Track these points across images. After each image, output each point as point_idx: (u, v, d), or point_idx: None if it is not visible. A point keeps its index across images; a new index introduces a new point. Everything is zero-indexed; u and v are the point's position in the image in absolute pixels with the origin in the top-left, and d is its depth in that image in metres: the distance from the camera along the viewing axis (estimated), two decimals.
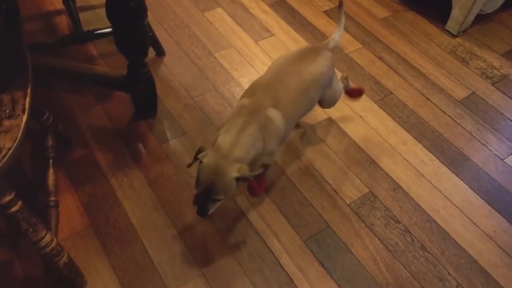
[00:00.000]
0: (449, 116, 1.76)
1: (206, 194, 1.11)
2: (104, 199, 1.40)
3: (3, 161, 0.86)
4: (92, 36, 1.61)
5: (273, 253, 1.33)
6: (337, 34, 1.44)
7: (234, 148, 1.11)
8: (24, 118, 0.93)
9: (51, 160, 1.29)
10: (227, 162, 1.09)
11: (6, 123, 0.91)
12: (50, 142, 1.32)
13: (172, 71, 1.82)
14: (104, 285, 1.23)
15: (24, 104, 0.94)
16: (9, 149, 0.87)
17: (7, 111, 0.93)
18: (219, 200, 1.13)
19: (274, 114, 1.19)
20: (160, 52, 1.84)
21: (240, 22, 2.08)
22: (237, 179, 1.09)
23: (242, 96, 1.27)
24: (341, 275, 1.30)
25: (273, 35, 2.03)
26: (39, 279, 1.23)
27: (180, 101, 1.71)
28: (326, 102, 1.47)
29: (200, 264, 1.29)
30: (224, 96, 1.74)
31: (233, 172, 1.09)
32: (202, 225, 1.37)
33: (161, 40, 1.86)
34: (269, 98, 1.21)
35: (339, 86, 1.50)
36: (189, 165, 1.15)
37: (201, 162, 1.11)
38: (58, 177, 1.39)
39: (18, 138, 0.89)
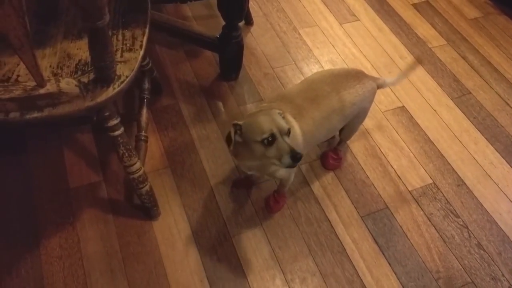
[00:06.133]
0: None
1: (282, 135, 0.99)
2: (183, 145, 1.53)
3: (121, 86, 0.99)
4: None
5: (329, 222, 1.40)
6: (391, 80, 1.34)
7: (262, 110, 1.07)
8: (141, 52, 1.05)
9: (145, 100, 1.43)
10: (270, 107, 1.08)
11: (126, 55, 1.04)
12: (146, 85, 1.46)
13: (257, 41, 1.91)
14: (175, 219, 1.36)
15: (142, 41, 1.07)
16: (127, 76, 1.00)
17: (128, 45, 1.06)
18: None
19: (293, 121, 1.13)
20: (249, 22, 1.94)
21: (327, 3, 2.12)
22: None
23: (264, 102, 1.22)
24: (393, 254, 1.35)
25: (358, 20, 2.06)
26: (120, 203, 1.38)
27: (261, 69, 1.80)
28: (344, 132, 1.39)
29: (261, 218, 1.39)
30: (302, 71, 1.81)
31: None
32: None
33: (251, 10, 1.96)
34: (291, 109, 1.14)
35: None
36: (230, 145, 1.04)
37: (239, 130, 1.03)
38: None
39: (135, 68, 1.02)
